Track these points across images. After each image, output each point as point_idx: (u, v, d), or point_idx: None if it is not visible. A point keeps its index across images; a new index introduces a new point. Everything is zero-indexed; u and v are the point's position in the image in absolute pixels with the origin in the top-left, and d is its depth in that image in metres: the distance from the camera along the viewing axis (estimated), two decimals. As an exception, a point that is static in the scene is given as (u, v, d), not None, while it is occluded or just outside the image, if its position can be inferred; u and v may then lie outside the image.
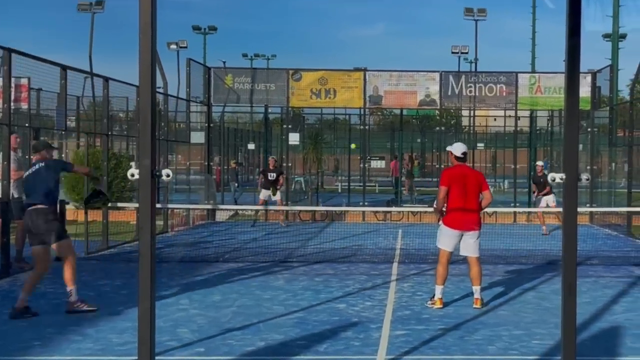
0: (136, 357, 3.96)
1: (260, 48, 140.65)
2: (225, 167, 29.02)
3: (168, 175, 4.53)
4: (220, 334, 7.80)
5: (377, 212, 21.69)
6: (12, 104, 12.09)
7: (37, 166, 8.98)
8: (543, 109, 23.56)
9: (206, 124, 22.59)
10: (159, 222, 17.72)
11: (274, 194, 20.05)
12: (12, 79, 12.12)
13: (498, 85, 22.39)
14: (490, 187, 9.96)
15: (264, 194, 20.29)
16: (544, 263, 13.31)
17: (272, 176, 20.27)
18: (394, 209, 21.57)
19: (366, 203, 22.73)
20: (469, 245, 9.40)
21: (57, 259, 9.25)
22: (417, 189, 28.57)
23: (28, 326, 8.15)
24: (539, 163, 19.73)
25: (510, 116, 24.29)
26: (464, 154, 9.63)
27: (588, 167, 21.05)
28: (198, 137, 22.36)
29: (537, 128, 27.42)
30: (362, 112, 24.49)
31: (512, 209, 21.17)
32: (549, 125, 28.65)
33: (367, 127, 25.03)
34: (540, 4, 61.68)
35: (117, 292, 10.29)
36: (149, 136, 3.91)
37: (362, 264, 13.23)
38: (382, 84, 22.24)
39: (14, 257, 11.73)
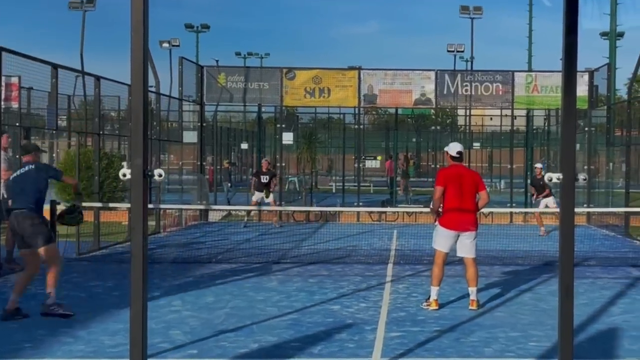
0: (128, 359, 3.94)
1: (253, 46, 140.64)
2: (218, 167, 28.94)
3: (160, 175, 4.56)
4: (213, 336, 7.73)
5: (371, 212, 21.64)
6: (2, 103, 12.01)
7: (26, 168, 8.85)
8: (540, 108, 23.48)
9: (199, 123, 22.48)
10: (151, 223, 17.64)
11: (267, 197, 19.98)
12: (3, 78, 12.06)
13: (494, 84, 22.33)
14: (486, 187, 9.90)
15: (257, 196, 20.22)
16: (541, 264, 13.26)
17: (265, 178, 20.19)
18: (388, 209, 21.52)
19: (361, 203, 22.62)
20: (465, 246, 9.34)
21: None
22: (413, 189, 28.49)
23: (19, 328, 8.07)
24: (538, 165, 19.62)
25: (506, 115, 24.28)
26: (460, 153, 9.55)
27: (585, 167, 21.03)
28: (191, 137, 22.27)
29: (534, 127, 27.44)
30: (356, 111, 24.44)
31: (508, 210, 21.11)
32: (546, 124, 28.58)
33: (361, 126, 24.96)
34: (536, 2, 61.95)
35: (108, 294, 10.21)
36: (141, 135, 3.93)
37: (356, 265, 13.16)
38: (376, 82, 22.12)
39: (4, 258, 11.65)
